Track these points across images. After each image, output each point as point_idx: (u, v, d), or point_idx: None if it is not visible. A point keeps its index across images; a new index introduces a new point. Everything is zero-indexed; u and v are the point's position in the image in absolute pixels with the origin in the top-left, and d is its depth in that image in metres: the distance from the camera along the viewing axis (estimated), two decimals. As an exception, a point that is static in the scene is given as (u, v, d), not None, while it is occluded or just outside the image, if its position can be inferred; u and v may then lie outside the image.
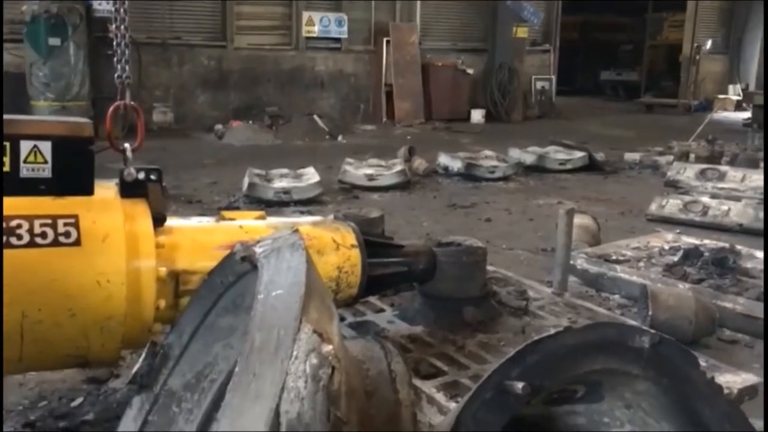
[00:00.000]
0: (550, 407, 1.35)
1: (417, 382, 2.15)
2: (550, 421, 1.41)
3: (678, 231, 5.12)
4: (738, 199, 5.86)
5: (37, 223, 1.93)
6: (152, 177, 2.23)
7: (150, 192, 2.20)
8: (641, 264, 4.14)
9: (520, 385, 1.07)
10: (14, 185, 1.98)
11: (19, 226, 1.91)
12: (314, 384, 1.00)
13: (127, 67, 2.34)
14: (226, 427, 1.01)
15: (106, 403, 2.48)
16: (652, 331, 1.28)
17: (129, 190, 2.18)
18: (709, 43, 18.87)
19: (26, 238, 1.91)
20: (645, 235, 4.95)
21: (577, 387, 1.28)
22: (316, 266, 1.33)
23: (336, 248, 2.37)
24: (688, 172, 6.67)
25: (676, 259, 4.13)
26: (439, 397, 2.13)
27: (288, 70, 12.91)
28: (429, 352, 2.45)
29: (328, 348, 1.04)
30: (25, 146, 2.00)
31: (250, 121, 11.53)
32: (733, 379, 2.34)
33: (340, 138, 11.29)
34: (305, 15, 12.87)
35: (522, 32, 14.68)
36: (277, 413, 0.97)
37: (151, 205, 2.17)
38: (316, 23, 12.95)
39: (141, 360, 1.63)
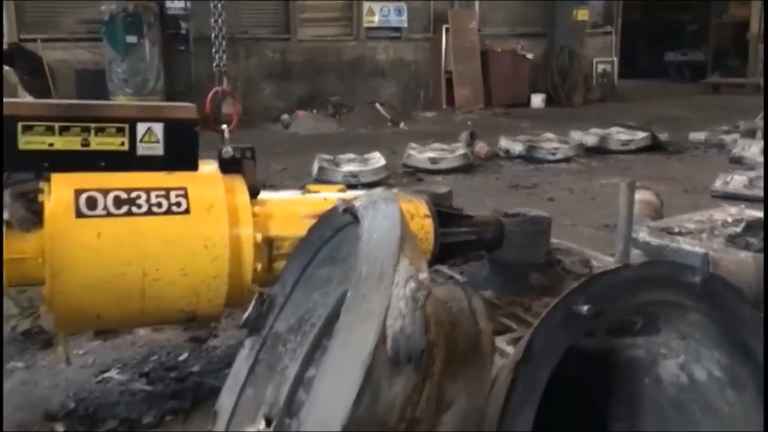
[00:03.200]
0: (612, 338, 1.53)
1: (488, 337, 2.35)
2: (612, 354, 1.60)
3: (743, 206, 5.13)
4: (806, 174, 5.80)
5: (153, 194, 2.22)
6: (247, 155, 2.51)
7: (245, 168, 2.48)
8: (703, 236, 4.20)
9: (585, 307, 1.26)
10: (132, 162, 2.28)
11: (139, 197, 2.20)
12: (413, 304, 1.22)
13: (224, 57, 2.61)
14: (341, 340, 1.24)
15: (209, 357, 2.77)
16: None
17: (227, 166, 2.45)
18: (778, 20, 18.23)
19: (145, 208, 2.20)
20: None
21: (636, 318, 1.46)
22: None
23: (410, 218, 2.58)
24: (753, 149, 6.63)
25: (739, 230, 4.18)
26: (510, 350, 2.32)
27: (349, 60, 13.18)
28: (498, 312, 2.65)
29: (424, 275, 1.26)
30: (141, 128, 2.29)
31: (315, 111, 11.85)
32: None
33: (401, 125, 11.51)
34: (365, 5, 13.11)
35: (582, 14, 14.53)
36: (384, 327, 1.20)
37: (247, 179, 2.45)
38: (376, 13, 13.17)
39: (251, 307, 1.88)
